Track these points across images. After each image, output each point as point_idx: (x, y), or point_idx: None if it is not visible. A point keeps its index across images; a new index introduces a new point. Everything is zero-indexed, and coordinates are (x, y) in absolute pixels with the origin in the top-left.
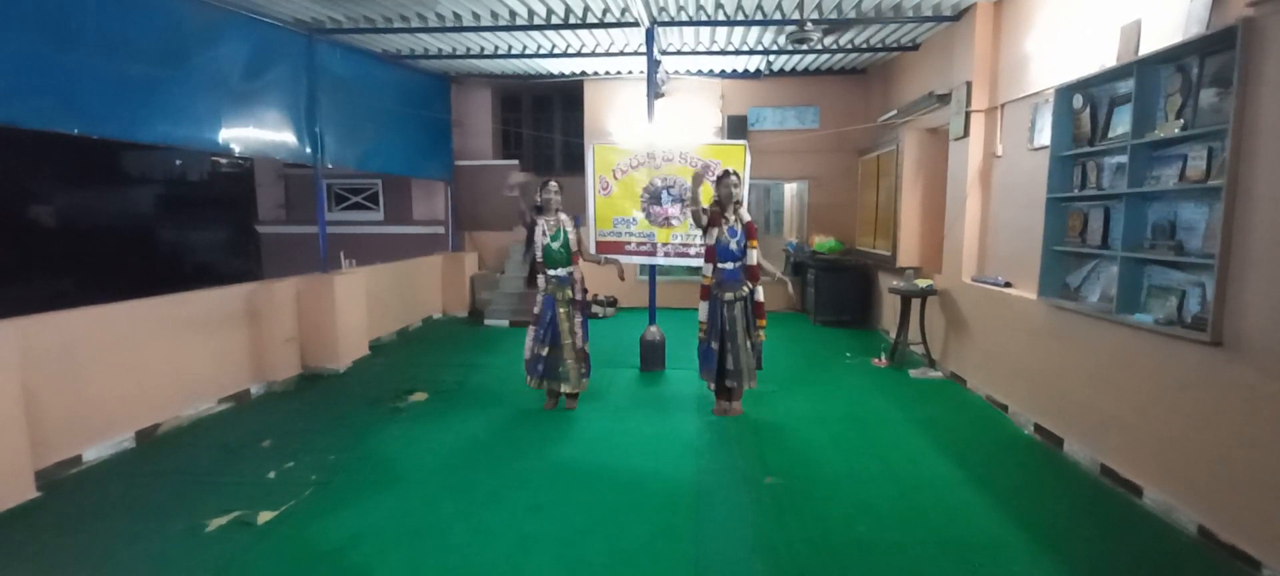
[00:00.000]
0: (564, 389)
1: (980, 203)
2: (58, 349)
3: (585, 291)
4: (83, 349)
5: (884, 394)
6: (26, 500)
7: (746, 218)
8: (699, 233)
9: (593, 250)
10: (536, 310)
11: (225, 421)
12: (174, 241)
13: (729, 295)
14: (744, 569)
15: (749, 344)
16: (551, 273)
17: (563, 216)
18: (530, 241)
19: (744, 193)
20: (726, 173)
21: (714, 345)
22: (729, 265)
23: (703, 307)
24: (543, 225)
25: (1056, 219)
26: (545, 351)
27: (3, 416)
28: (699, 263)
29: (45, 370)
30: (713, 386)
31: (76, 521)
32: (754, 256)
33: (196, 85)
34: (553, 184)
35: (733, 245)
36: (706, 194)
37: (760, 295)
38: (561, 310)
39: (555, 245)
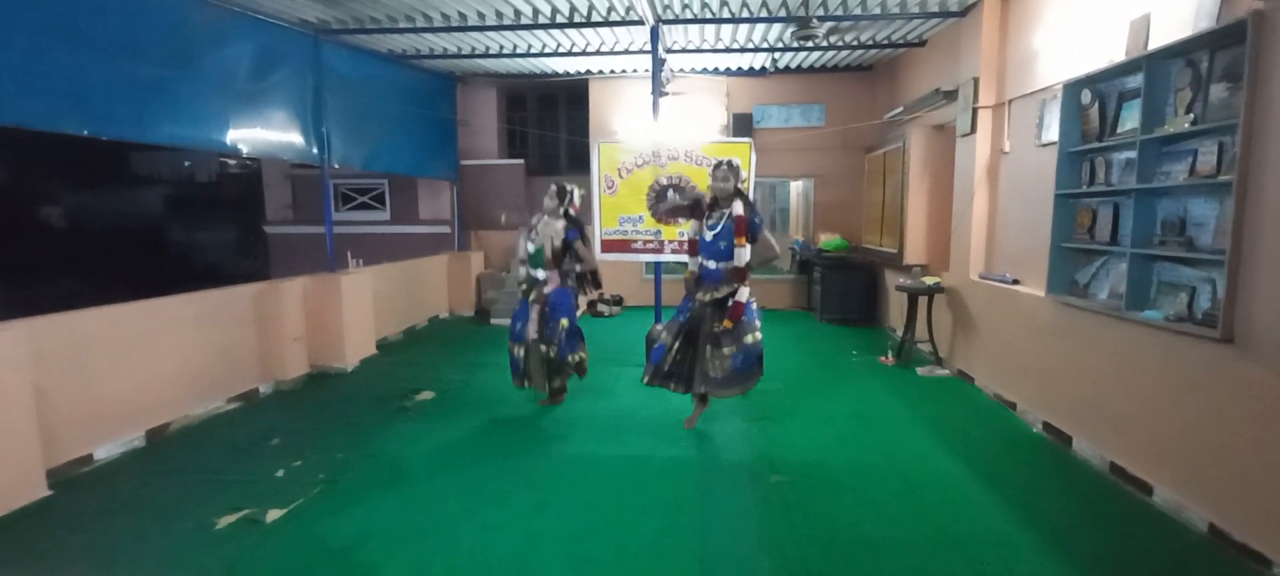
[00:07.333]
0: (530, 385)
1: (987, 199)
2: (69, 348)
3: (573, 296)
4: (93, 348)
5: (891, 392)
6: (38, 498)
7: (737, 211)
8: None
9: (597, 251)
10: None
11: (234, 420)
12: (183, 241)
13: (702, 296)
14: (750, 567)
15: (724, 350)
16: (531, 271)
17: (557, 225)
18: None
19: (750, 185)
20: (718, 164)
21: (666, 339)
22: (710, 264)
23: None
24: (535, 225)
25: (1065, 215)
26: (519, 351)
27: (14, 416)
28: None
29: (56, 370)
30: (664, 384)
31: (87, 519)
32: (742, 256)
33: (204, 86)
34: (552, 188)
35: (710, 238)
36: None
37: (742, 295)
38: (532, 309)
39: (531, 249)
